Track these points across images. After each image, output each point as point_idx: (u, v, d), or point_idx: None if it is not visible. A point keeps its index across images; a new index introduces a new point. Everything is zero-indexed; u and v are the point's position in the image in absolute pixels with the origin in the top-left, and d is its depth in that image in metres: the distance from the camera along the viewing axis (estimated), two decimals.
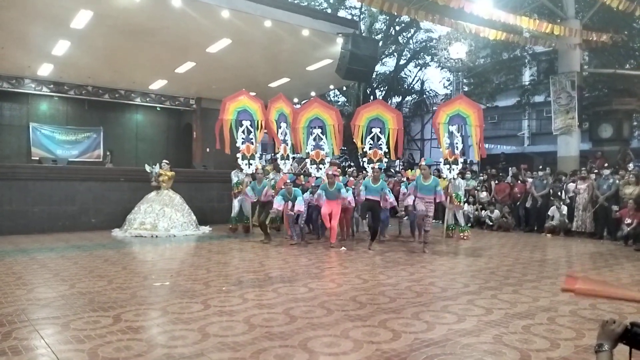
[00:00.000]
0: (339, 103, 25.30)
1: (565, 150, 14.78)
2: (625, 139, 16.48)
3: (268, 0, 9.92)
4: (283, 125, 10.35)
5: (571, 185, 11.27)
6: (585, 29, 13.85)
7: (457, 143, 9.94)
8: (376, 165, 9.69)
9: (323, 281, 5.72)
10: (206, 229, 10.71)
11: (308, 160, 10.28)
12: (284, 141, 10.35)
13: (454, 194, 9.87)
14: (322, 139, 10.21)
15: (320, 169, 10.04)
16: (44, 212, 10.09)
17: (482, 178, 13.38)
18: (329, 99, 24.09)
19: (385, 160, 10.43)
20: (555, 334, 3.78)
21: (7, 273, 5.83)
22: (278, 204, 8.63)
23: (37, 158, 14.04)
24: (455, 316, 4.23)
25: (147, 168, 10.32)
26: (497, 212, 12.05)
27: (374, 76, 20.10)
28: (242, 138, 10.18)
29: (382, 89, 24.46)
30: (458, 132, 9.96)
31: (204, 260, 7.11)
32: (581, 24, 14.34)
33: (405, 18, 17.74)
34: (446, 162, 9.94)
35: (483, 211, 12.34)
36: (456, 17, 11.77)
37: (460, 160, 10.07)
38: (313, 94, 17.48)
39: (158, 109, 17.04)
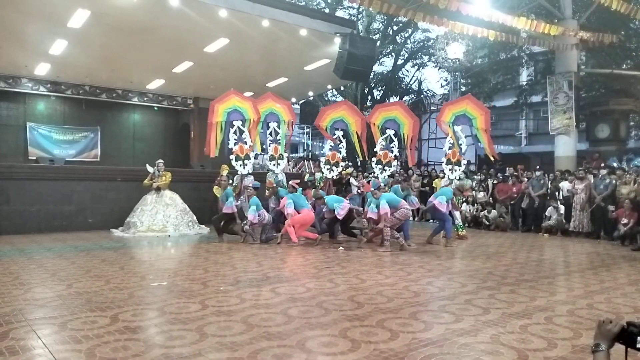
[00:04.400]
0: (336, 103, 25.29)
1: (563, 150, 14.82)
2: (622, 139, 16.54)
3: (266, 0, 9.92)
4: (273, 124, 10.33)
5: (564, 184, 11.30)
6: (582, 29, 13.90)
7: (462, 144, 10.07)
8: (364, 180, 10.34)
9: (321, 281, 5.72)
10: (205, 229, 10.69)
11: (305, 162, 10.41)
12: (275, 141, 10.30)
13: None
14: (341, 142, 10.45)
15: (332, 170, 10.40)
16: (41, 211, 10.06)
17: (479, 178, 13.39)
18: (326, 98, 24.10)
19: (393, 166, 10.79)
20: (553, 333, 3.79)
21: (4, 273, 5.81)
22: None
23: (34, 158, 14.00)
24: (453, 316, 4.23)
25: (149, 168, 10.28)
26: (494, 212, 12.07)
27: (371, 76, 20.13)
28: (235, 139, 10.01)
29: (379, 88, 24.48)
30: (462, 133, 10.16)
31: (202, 260, 7.10)
32: (578, 24, 14.39)
33: (403, 18, 17.71)
34: (449, 162, 10.06)
35: (481, 211, 12.36)
36: (454, 18, 11.79)
37: (463, 162, 10.20)
38: (311, 93, 17.51)
39: (155, 108, 17.02)
